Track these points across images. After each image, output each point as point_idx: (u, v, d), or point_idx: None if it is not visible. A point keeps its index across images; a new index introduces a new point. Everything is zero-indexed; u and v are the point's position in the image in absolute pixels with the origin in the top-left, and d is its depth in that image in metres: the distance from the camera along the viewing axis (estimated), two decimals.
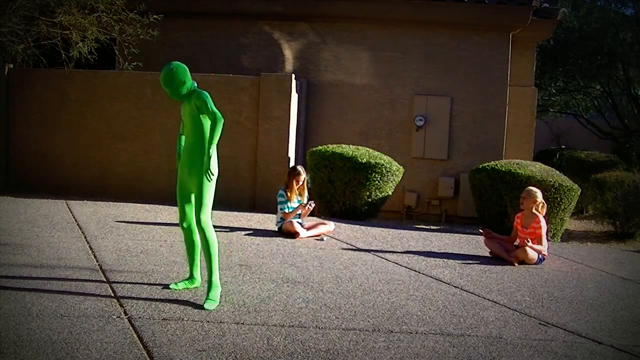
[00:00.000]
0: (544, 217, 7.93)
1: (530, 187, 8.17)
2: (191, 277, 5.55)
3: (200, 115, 5.17)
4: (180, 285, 5.48)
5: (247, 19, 12.65)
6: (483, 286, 6.51)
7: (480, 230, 8.38)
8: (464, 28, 12.35)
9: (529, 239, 7.68)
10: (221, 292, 5.32)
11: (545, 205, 8.02)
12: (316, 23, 12.61)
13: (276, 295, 5.51)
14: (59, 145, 11.50)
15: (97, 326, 4.38)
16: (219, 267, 5.37)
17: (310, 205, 8.56)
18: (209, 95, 5.16)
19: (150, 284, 5.53)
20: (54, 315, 4.54)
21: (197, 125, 5.20)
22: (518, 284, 6.71)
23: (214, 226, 8.88)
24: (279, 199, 8.56)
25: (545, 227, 7.87)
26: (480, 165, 10.68)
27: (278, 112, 11.17)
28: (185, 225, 5.42)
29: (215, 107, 5.11)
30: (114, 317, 4.61)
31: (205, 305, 4.99)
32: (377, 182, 10.47)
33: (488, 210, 10.43)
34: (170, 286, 5.45)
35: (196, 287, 5.52)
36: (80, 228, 7.99)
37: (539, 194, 7.96)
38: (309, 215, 8.94)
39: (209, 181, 5.12)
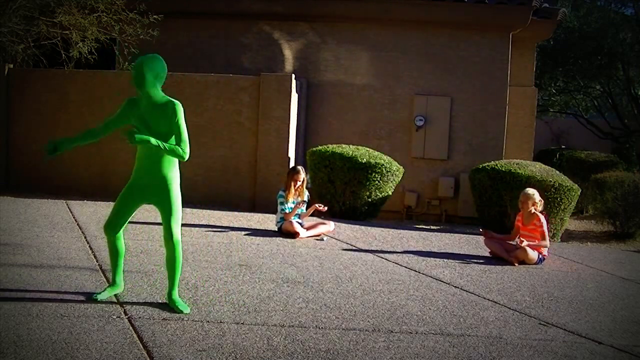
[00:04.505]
0: (543, 213, 7.94)
1: (527, 190, 8.14)
2: (114, 283, 5.16)
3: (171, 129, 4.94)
4: (105, 294, 5.02)
5: (247, 19, 12.64)
6: (483, 286, 6.51)
7: (480, 230, 8.39)
8: (464, 28, 12.35)
9: (523, 240, 7.70)
10: (221, 292, 5.32)
11: (542, 201, 8.03)
12: (316, 23, 12.61)
13: (276, 295, 5.51)
14: None
15: (97, 326, 4.38)
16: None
17: (320, 206, 8.67)
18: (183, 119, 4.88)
19: (150, 284, 5.53)
20: (54, 315, 4.54)
21: (162, 134, 4.97)
22: (518, 284, 6.71)
23: (214, 226, 8.89)
24: (279, 200, 8.58)
25: (546, 224, 7.86)
26: (480, 165, 10.69)
27: (278, 112, 11.17)
28: (112, 232, 5.00)
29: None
30: (114, 317, 4.61)
31: (180, 307, 4.82)
32: (377, 182, 10.47)
33: (488, 210, 10.43)
34: (96, 297, 4.96)
35: (120, 292, 5.15)
36: (80, 228, 7.98)
37: (536, 194, 7.98)
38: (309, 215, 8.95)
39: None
